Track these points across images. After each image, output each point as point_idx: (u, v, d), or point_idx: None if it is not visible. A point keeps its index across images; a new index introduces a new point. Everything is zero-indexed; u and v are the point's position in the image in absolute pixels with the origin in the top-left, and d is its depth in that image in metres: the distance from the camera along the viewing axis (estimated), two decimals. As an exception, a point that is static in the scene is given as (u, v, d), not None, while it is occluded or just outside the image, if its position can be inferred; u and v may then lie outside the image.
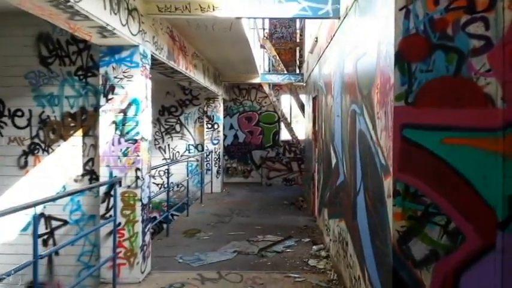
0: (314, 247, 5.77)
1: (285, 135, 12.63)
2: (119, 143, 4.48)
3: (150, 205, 4.92)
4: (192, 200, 9.67)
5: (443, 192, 2.34)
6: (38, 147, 4.98)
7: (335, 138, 4.88)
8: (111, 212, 4.44)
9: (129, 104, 4.47)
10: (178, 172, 9.88)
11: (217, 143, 11.12)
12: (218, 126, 11.11)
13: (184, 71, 6.72)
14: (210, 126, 11.05)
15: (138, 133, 4.48)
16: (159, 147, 11.30)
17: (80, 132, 4.91)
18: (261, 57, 12.12)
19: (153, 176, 10.91)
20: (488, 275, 2.29)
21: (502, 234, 2.28)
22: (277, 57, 11.54)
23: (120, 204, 4.45)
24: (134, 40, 4.30)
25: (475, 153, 2.30)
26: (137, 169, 4.48)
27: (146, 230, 4.72)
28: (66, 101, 4.93)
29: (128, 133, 4.47)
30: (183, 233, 6.76)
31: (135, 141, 4.47)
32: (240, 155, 12.83)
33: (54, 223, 4.95)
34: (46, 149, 4.97)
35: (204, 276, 4.69)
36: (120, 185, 4.45)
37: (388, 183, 2.50)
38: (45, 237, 4.95)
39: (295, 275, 4.69)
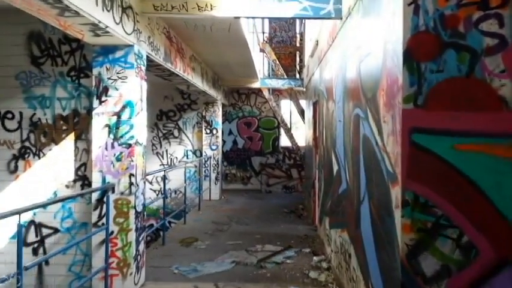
0: (315, 258, 5.56)
1: (284, 141, 12.44)
2: (113, 147, 4.31)
3: (145, 213, 4.74)
4: (190, 207, 9.48)
5: (455, 203, 2.19)
6: (28, 151, 4.79)
7: (337, 145, 4.72)
8: (104, 220, 4.27)
9: (123, 107, 4.31)
10: (176, 178, 9.65)
11: (216, 149, 10.94)
12: (217, 131, 10.93)
13: (182, 73, 6.56)
14: (208, 131, 10.87)
15: (132, 137, 4.32)
16: (157, 153, 11.13)
17: (72, 136, 4.73)
18: (261, 61, 12.00)
19: (151, 182, 10.74)
20: (505, 293, 2.12)
21: (519, 248, 2.11)
22: (277, 62, 11.41)
23: (113, 212, 4.28)
24: (128, 39, 4.15)
25: (489, 160, 2.15)
26: (131, 175, 4.30)
27: (140, 239, 4.53)
28: (58, 103, 4.75)
29: (121, 137, 4.31)
30: (180, 241, 6.56)
31: (129, 145, 4.31)
32: (239, 161, 12.62)
33: (45, 231, 4.76)
34: (37, 153, 4.79)
35: (200, 288, 4.50)
36: (113, 192, 4.28)
37: (395, 192, 2.33)
38: (36, 245, 4.76)
39: (296, 288, 4.50)
